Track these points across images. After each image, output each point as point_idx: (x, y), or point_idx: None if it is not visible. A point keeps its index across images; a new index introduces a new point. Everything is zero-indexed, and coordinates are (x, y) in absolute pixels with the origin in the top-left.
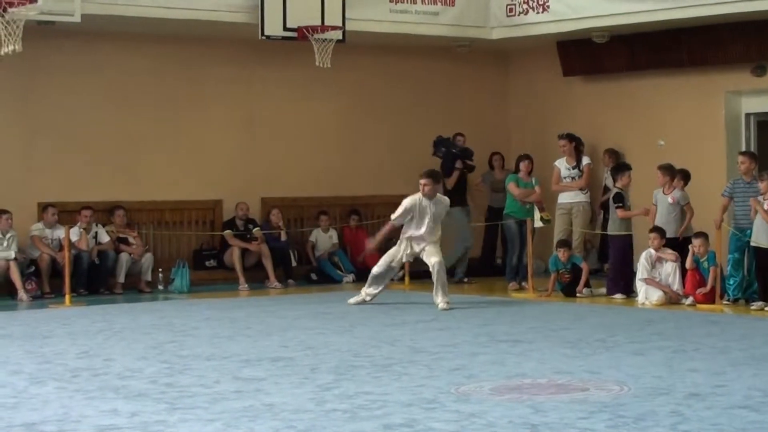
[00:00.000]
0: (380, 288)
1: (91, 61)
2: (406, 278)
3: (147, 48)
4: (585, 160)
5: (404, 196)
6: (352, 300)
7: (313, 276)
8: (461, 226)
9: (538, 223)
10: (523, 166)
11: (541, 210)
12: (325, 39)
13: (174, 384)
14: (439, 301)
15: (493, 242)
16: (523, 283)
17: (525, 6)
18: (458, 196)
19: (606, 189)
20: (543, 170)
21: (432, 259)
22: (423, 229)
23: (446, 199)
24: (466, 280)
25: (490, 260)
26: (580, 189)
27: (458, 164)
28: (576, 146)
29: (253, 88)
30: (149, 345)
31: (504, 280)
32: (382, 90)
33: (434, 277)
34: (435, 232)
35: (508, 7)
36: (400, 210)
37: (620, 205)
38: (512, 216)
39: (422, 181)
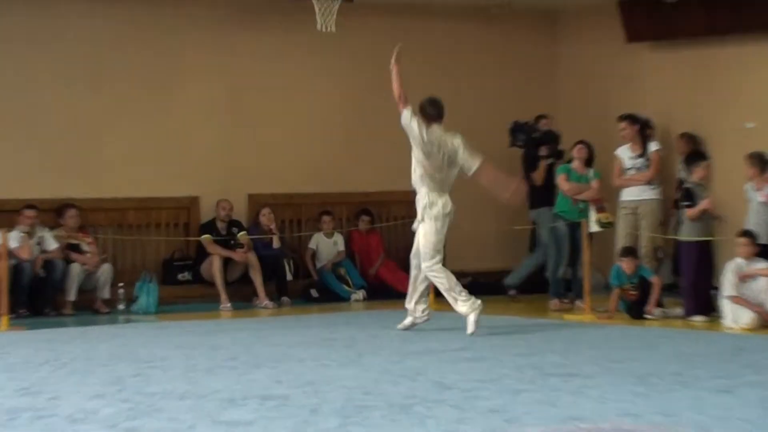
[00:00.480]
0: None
1: (37, 28)
2: (430, 296)
3: (104, 10)
4: (653, 147)
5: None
6: (401, 325)
7: (314, 292)
8: (548, 232)
9: (594, 227)
10: (575, 151)
11: (599, 210)
12: None
13: (138, 429)
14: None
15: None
16: (577, 302)
17: None
18: (546, 193)
19: (681, 183)
20: (603, 161)
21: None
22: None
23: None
24: (512, 293)
25: (539, 273)
26: (648, 183)
27: (543, 151)
28: (641, 130)
29: (238, 59)
30: (107, 380)
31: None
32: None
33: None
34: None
35: None
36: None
37: (690, 203)
38: (562, 217)
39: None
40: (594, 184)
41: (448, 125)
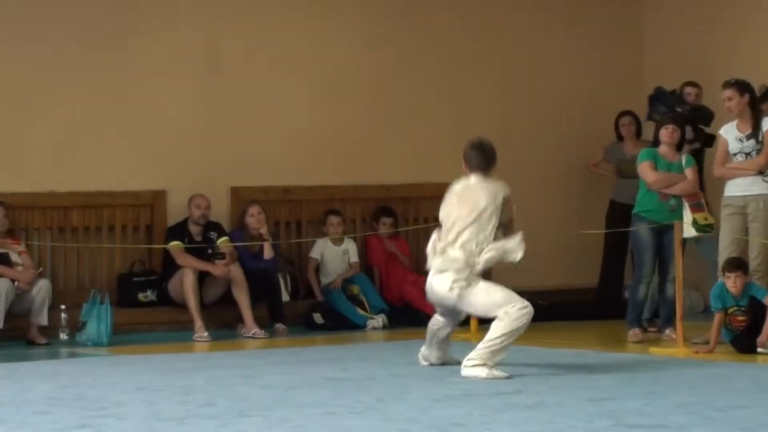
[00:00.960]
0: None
1: None
2: (473, 322)
3: None
4: (767, 124)
5: None
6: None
7: (318, 318)
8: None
9: (689, 232)
10: (664, 134)
11: (696, 209)
12: None
13: None
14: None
15: (618, 262)
16: (667, 331)
17: None
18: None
19: None
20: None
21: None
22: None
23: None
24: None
25: (614, 292)
26: (761, 172)
27: (689, 134)
28: (752, 102)
29: (217, 15)
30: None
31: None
32: (430, 16)
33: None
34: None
35: None
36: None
37: None
38: (645, 219)
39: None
40: (689, 173)
41: (490, 96)
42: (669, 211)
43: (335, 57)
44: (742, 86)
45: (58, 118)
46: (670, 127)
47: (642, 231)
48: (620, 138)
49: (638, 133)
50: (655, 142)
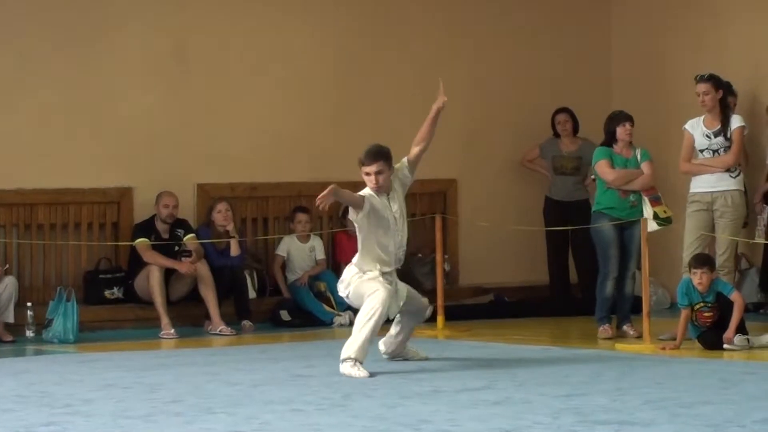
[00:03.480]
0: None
1: None
2: (439, 319)
3: None
4: (736, 122)
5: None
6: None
7: (285, 315)
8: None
9: (652, 226)
10: (621, 132)
11: (656, 203)
12: None
13: None
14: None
15: (562, 259)
16: (625, 326)
17: None
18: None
19: None
20: (665, 140)
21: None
22: (391, 244)
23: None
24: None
25: (562, 288)
26: (728, 169)
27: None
28: (723, 98)
29: (185, 12)
30: (12, 430)
31: (590, 321)
32: (400, 15)
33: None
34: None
35: None
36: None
37: None
38: (607, 215)
39: (366, 169)
40: (646, 168)
41: (469, 88)
42: (630, 207)
43: (303, 54)
44: (717, 81)
45: (25, 115)
46: (627, 124)
47: (605, 227)
48: (557, 135)
49: (575, 130)
50: (608, 140)
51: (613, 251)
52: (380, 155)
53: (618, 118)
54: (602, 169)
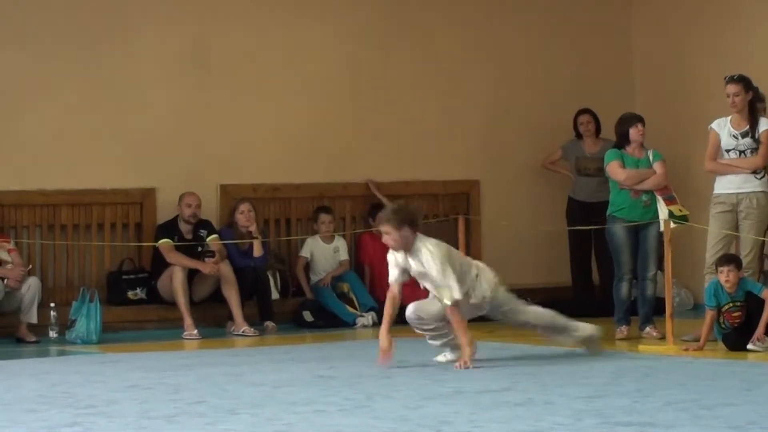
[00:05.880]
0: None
1: None
2: None
3: None
4: (765, 124)
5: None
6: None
7: (308, 315)
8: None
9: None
10: (634, 133)
11: (670, 202)
12: None
13: None
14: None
15: (585, 260)
16: (648, 328)
17: None
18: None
19: None
20: (686, 141)
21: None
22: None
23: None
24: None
25: (584, 290)
26: (754, 171)
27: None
28: (752, 99)
29: (207, 13)
30: (35, 430)
31: (612, 322)
32: (417, 15)
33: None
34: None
35: None
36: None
37: None
38: (620, 218)
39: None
40: (658, 167)
41: (487, 92)
42: (643, 207)
43: (325, 55)
44: (747, 83)
45: (48, 116)
46: (639, 125)
47: (617, 230)
48: (579, 136)
49: (597, 131)
50: (620, 142)
51: (625, 254)
52: (389, 219)
53: (630, 119)
54: (613, 169)
